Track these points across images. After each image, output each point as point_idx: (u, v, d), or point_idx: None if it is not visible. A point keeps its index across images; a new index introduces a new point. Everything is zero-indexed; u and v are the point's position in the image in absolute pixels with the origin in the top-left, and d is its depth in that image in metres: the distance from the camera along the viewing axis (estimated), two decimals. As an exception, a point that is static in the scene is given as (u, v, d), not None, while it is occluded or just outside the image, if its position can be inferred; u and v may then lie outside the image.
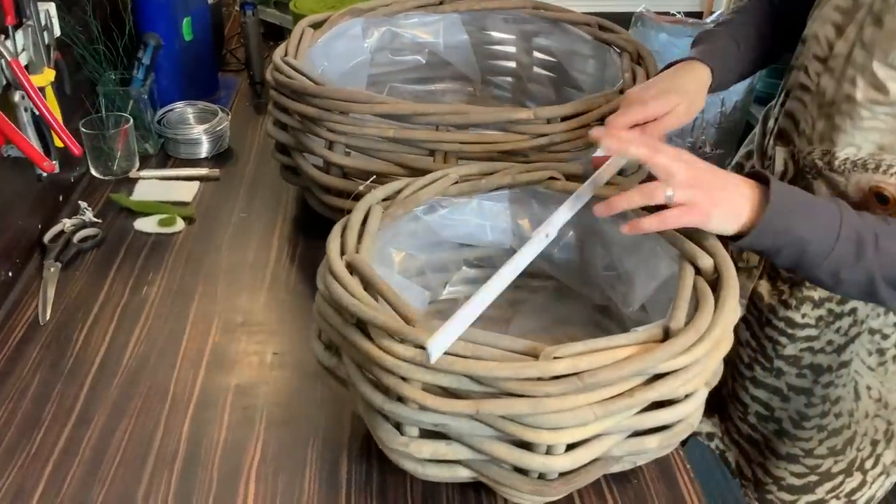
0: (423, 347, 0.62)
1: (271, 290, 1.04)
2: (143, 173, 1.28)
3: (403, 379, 0.65)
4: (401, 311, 0.68)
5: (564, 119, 1.00)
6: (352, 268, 0.73)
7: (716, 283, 0.73)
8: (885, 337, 0.96)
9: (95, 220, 1.16)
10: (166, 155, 1.35)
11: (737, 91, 2.39)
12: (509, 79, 1.41)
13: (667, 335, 0.67)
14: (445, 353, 0.63)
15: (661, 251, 0.80)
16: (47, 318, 0.98)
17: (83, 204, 1.16)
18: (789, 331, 0.98)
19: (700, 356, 0.66)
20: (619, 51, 1.18)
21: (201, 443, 0.81)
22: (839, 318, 0.95)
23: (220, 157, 1.36)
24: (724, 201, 0.72)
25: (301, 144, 1.08)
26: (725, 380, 1.09)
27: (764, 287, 1.00)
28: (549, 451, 0.66)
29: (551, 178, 0.88)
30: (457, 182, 0.87)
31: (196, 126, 1.35)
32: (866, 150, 0.84)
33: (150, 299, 1.02)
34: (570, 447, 0.66)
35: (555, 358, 0.62)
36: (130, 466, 0.79)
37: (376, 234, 0.79)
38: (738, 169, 1.11)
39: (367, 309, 0.67)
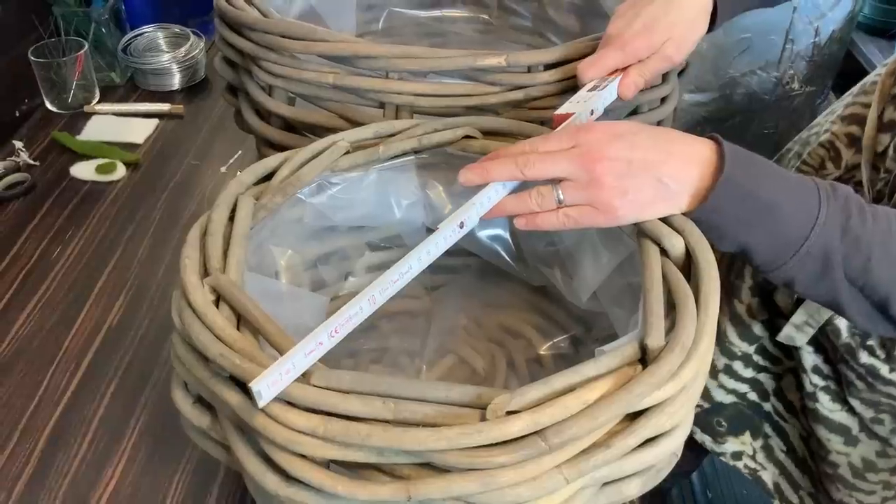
0: (325, 412, 0.46)
1: (197, 259, 0.89)
2: (100, 107, 1.14)
3: (303, 457, 0.46)
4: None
5: (549, 67, 0.79)
6: (219, 295, 0.54)
7: (688, 270, 0.55)
8: None
9: (32, 162, 1.03)
10: (135, 86, 1.21)
11: (834, 18, 2.05)
12: (533, 4, 1.19)
13: (644, 355, 0.49)
14: (358, 420, 0.45)
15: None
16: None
17: (18, 144, 1.03)
18: (869, 378, 0.76)
19: (689, 380, 0.48)
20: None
21: (53, 461, 0.68)
22: None
23: (194, 89, 1.20)
24: (643, 191, 0.54)
25: (243, 86, 0.91)
26: (767, 395, 0.88)
27: (843, 322, 0.76)
28: None
29: (466, 136, 0.68)
30: (348, 152, 0.67)
31: (165, 54, 1.19)
32: None
33: (62, 261, 0.88)
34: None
35: (508, 413, 0.45)
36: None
37: (249, 236, 0.59)
38: (827, 147, 0.82)
39: (245, 364, 0.47)
